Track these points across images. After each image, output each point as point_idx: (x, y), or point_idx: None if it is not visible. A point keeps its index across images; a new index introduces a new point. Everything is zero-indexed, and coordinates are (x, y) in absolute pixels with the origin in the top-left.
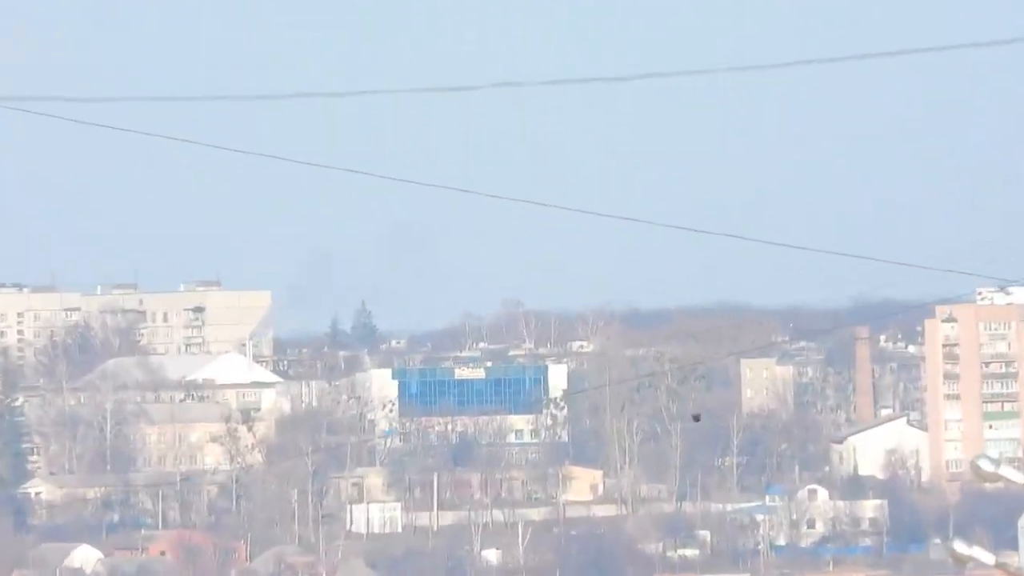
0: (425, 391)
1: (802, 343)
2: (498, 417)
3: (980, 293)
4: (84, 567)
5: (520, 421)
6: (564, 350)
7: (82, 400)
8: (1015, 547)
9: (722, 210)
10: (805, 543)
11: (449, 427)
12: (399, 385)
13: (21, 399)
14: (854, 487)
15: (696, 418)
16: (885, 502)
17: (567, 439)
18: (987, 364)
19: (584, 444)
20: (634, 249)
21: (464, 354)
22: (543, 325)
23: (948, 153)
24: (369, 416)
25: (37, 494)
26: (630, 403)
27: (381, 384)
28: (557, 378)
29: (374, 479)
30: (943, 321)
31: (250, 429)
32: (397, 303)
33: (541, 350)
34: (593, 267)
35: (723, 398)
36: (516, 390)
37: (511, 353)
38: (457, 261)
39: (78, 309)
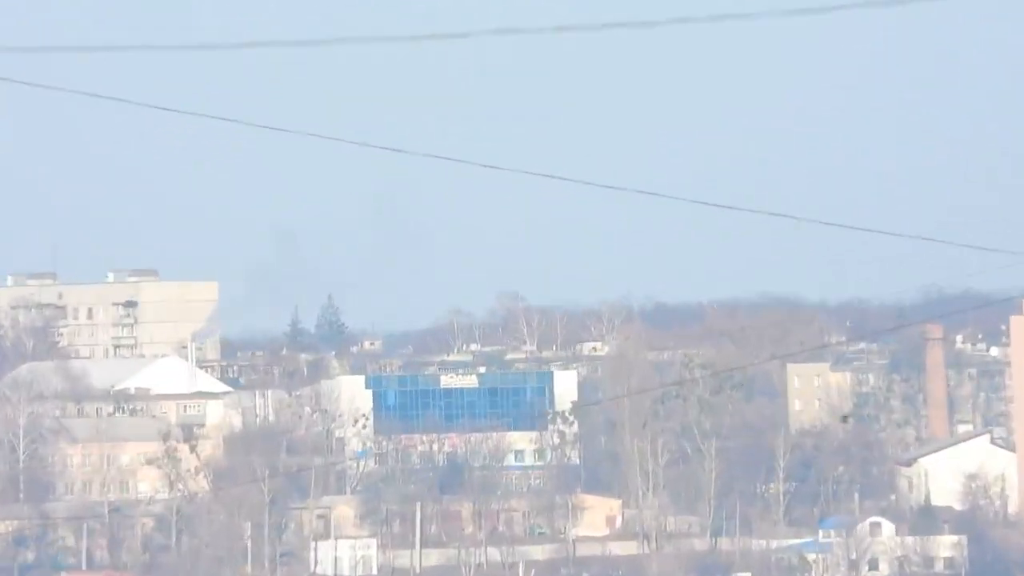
0: (405, 403)
1: (862, 344)
2: (494, 435)
3: None
4: None
5: (521, 439)
6: (573, 353)
7: None
8: None
9: (762, 185)
10: None
11: (435, 447)
12: (374, 395)
13: None
14: (926, 520)
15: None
16: (964, 538)
17: (578, 461)
18: None
19: (598, 467)
20: (657, 231)
21: (452, 358)
22: (547, 323)
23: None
24: (338, 433)
25: None
26: (654, 417)
27: (352, 394)
28: (565, 387)
29: (344, 510)
30: None
31: (193, 449)
32: (371, 296)
33: (545, 353)
34: (608, 253)
35: (766, 411)
36: (515, 402)
37: (509, 357)
38: (444, 246)
39: None
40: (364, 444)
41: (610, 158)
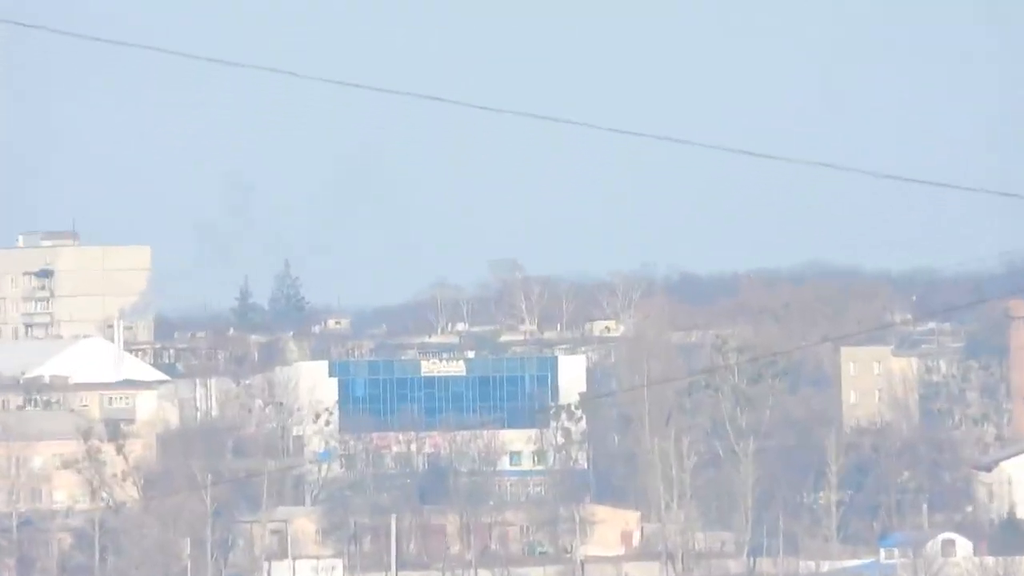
0: (378, 394)
1: (931, 324)
2: (485, 433)
3: None
4: None
5: (518, 438)
6: (581, 334)
7: None
8: None
9: (810, 134)
10: None
11: (413, 447)
12: (340, 385)
13: None
14: (1010, 536)
15: None
16: None
17: (586, 465)
18: None
19: (611, 473)
20: (684, 187)
21: (435, 339)
22: (551, 298)
23: None
24: (296, 431)
25: None
26: (679, 412)
27: (313, 383)
28: (571, 375)
29: (303, 524)
30: None
31: (120, 450)
32: (337, 265)
33: (548, 334)
34: (624, 213)
35: (815, 404)
36: (511, 393)
37: (503, 339)
38: (426, 205)
39: None
40: (328, 444)
41: (628, 103)
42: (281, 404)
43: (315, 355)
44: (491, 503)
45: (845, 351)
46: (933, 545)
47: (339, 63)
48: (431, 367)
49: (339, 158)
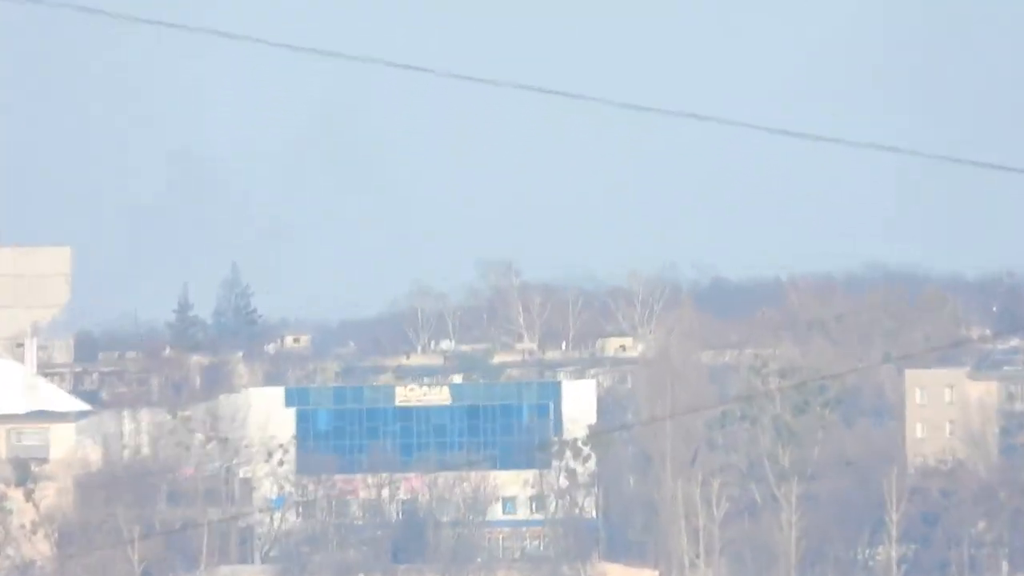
0: (344, 428)
1: (1015, 340)
2: (473, 475)
3: None
4: None
5: (513, 481)
6: (592, 354)
7: None
8: None
9: (867, 113)
10: None
11: (386, 492)
12: (298, 416)
13: None
14: None
15: None
16: None
17: (595, 514)
18: None
19: (626, 523)
20: (717, 176)
21: (414, 360)
22: (554, 308)
23: None
24: (243, 473)
25: None
26: (709, 449)
27: (266, 414)
28: (578, 404)
29: None
30: None
31: (29, 496)
32: (296, 269)
33: (550, 354)
34: (643, 206)
35: (874, 439)
36: (506, 426)
37: (497, 359)
38: (403, 195)
39: None
40: (282, 489)
41: (643, 81)
42: (226, 440)
43: (269, 380)
44: (479, 560)
45: (910, 374)
46: None
47: (316, 34)
48: (408, 394)
49: (299, 140)
